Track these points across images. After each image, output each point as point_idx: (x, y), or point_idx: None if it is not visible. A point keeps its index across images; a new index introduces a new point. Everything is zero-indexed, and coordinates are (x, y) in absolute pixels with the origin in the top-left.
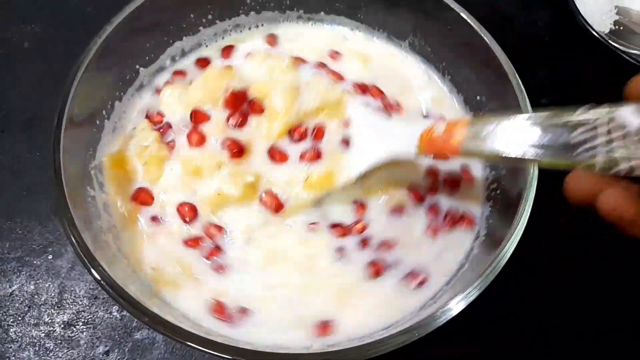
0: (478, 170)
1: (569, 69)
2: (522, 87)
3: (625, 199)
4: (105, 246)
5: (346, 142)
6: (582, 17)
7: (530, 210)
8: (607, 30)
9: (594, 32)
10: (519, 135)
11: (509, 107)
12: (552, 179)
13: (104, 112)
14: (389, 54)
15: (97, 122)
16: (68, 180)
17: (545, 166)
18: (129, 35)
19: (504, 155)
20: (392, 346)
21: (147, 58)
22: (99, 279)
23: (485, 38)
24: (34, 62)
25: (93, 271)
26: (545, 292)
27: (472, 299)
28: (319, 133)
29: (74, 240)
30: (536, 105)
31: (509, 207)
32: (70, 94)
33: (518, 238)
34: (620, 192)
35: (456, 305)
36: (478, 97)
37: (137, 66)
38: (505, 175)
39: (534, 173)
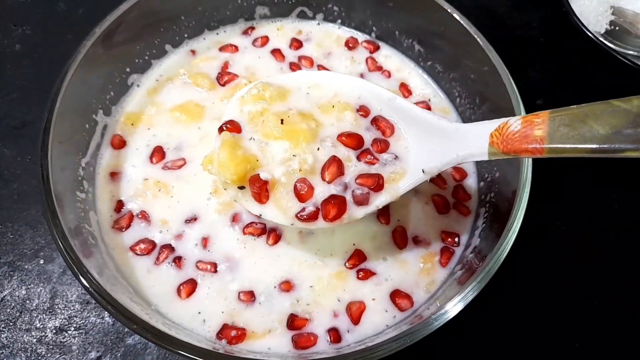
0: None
1: (563, 69)
2: (516, 90)
3: None
4: (95, 251)
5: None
6: (577, 17)
7: (524, 210)
8: (602, 31)
9: (588, 33)
10: (620, 124)
11: (502, 109)
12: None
13: (93, 115)
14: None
15: (87, 126)
16: (57, 186)
17: None
18: (118, 38)
19: (606, 151)
20: (391, 350)
21: (136, 61)
22: (88, 286)
23: (478, 40)
24: (25, 66)
25: (82, 279)
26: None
27: (469, 300)
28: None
29: (63, 250)
30: (531, 106)
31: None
32: (58, 99)
33: (512, 241)
34: None
35: (453, 308)
36: (469, 99)
37: (127, 69)
38: (498, 179)
39: (527, 173)
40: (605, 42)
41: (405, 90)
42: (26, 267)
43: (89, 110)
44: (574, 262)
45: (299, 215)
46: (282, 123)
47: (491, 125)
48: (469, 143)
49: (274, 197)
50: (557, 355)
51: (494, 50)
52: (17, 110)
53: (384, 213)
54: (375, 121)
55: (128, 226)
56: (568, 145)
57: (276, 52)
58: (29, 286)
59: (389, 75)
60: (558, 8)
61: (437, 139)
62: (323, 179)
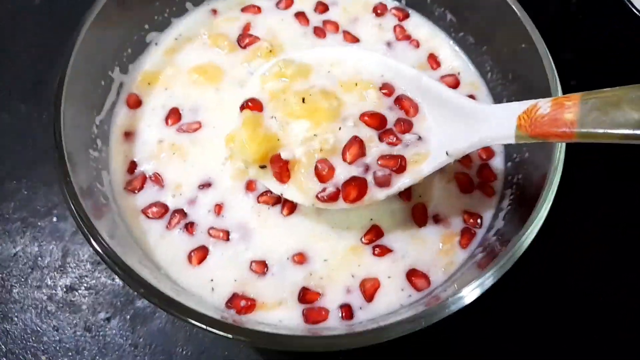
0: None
1: (602, 50)
2: (555, 69)
3: None
4: (106, 212)
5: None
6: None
7: (554, 195)
8: None
9: (635, 10)
10: None
11: (535, 88)
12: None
13: (109, 72)
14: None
15: (102, 83)
16: (69, 144)
17: None
18: None
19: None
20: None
21: (156, 18)
22: (98, 249)
23: (517, 11)
24: (44, 22)
25: (92, 241)
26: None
27: (488, 286)
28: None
29: (73, 210)
30: (564, 87)
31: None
32: (72, 55)
33: (537, 229)
34: None
35: (471, 293)
36: (501, 75)
37: (146, 26)
38: (527, 160)
39: (560, 156)
40: None
41: (433, 61)
42: (39, 224)
43: (105, 67)
44: (583, 259)
45: (319, 195)
46: (303, 102)
47: (519, 106)
48: (496, 125)
49: (295, 177)
50: (564, 349)
51: (533, 24)
52: (36, 67)
53: (405, 189)
54: (399, 100)
55: (141, 188)
56: (600, 130)
57: (300, 16)
58: (42, 243)
59: (418, 45)
60: None
61: (462, 119)
62: (344, 159)
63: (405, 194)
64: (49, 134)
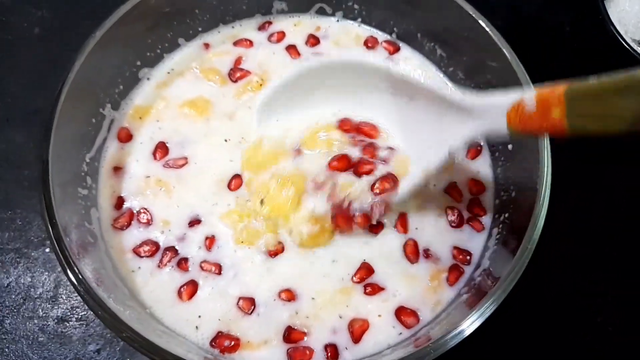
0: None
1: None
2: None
3: None
4: (93, 250)
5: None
6: (613, 24)
7: (537, 239)
8: None
9: (624, 42)
10: None
11: None
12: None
13: (100, 109)
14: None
15: (94, 120)
16: (58, 181)
17: None
18: (130, 30)
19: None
20: None
21: (148, 54)
22: (82, 292)
23: (504, 50)
24: (41, 51)
25: (75, 283)
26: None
27: (472, 330)
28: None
29: (57, 250)
30: None
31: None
32: (64, 92)
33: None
34: None
35: (469, 327)
36: None
37: (138, 62)
38: (514, 199)
39: (544, 202)
40: None
41: None
42: (32, 254)
43: (97, 103)
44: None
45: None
46: (261, 203)
47: (507, 100)
48: (487, 120)
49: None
50: None
51: (521, 66)
52: (31, 95)
53: (402, 221)
54: (359, 129)
55: (128, 225)
56: (591, 127)
57: (291, 49)
58: (34, 274)
59: None
60: (593, 13)
61: (454, 114)
62: (341, 225)
63: (403, 226)
64: None
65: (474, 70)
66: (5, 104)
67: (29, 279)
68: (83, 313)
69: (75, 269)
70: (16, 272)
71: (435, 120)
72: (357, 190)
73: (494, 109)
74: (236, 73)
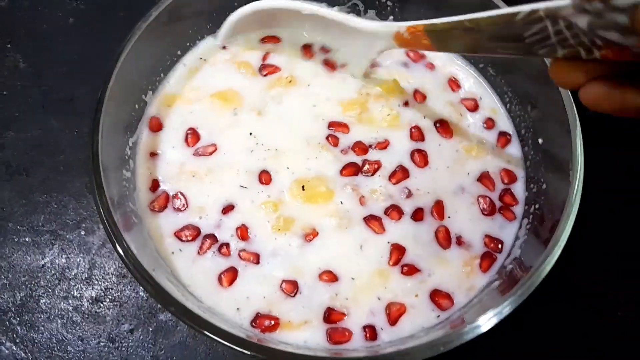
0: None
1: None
2: (573, 102)
3: (605, 93)
4: (137, 230)
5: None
6: None
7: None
8: None
9: None
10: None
11: (555, 120)
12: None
13: (143, 96)
14: None
15: (136, 106)
16: (104, 162)
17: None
18: (172, 21)
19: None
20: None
21: (187, 44)
22: (126, 260)
23: None
24: (75, 41)
25: (119, 250)
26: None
27: (504, 316)
28: None
29: (105, 221)
30: (583, 116)
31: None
32: (113, 76)
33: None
34: (600, 87)
35: (487, 322)
36: (521, 106)
37: (178, 52)
38: (544, 192)
39: (576, 197)
40: None
41: (454, 84)
42: (67, 236)
43: (140, 90)
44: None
45: None
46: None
47: (391, 29)
48: (380, 39)
49: None
50: None
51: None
52: (66, 84)
53: (438, 209)
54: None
55: (164, 207)
56: (452, 49)
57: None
58: (69, 255)
59: (432, 68)
60: None
61: (362, 38)
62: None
63: (439, 214)
64: (78, 150)
65: (505, 68)
66: (42, 91)
67: (64, 260)
68: (117, 294)
69: (124, 243)
70: (51, 253)
71: (351, 44)
72: (382, 188)
73: (383, 32)
74: (266, 68)
